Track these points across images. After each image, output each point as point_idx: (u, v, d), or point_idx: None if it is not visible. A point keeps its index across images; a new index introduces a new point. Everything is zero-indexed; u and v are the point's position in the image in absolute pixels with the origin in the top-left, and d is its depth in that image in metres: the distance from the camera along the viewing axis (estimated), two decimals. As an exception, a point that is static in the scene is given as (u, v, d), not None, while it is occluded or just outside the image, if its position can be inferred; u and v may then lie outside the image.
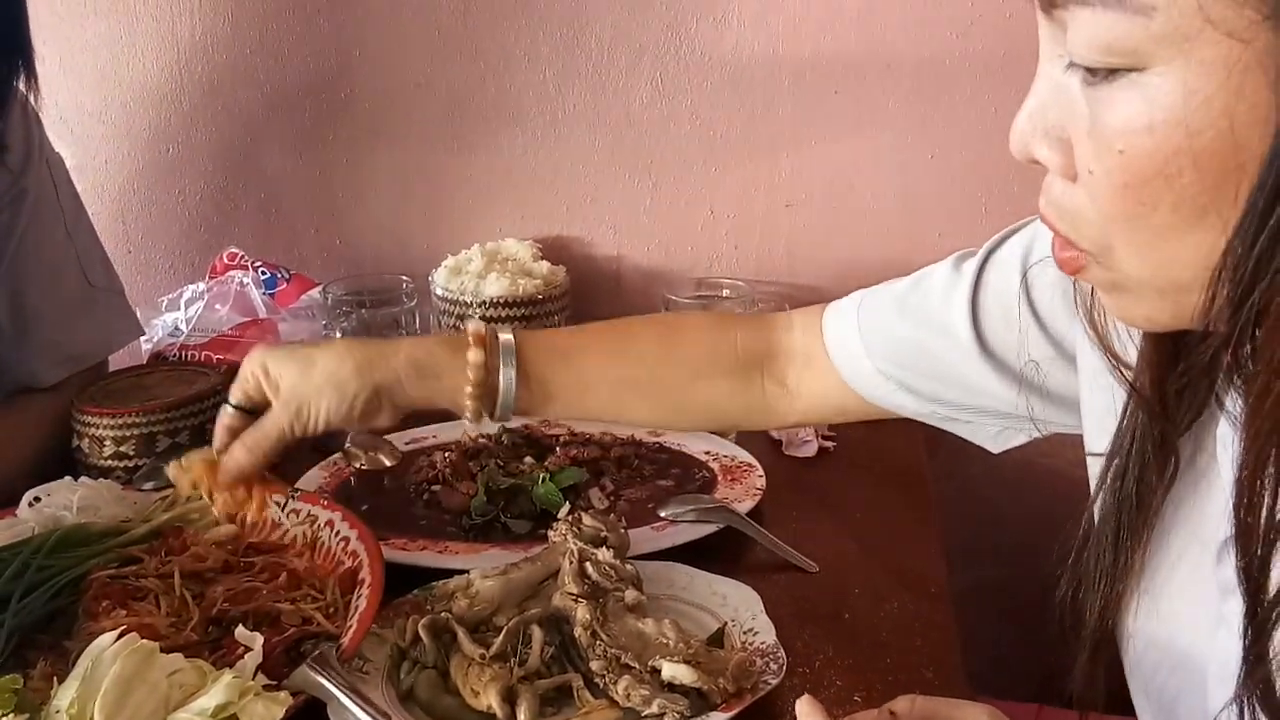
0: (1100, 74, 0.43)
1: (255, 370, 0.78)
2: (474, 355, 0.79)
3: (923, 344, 0.77)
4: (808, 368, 0.84)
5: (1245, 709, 0.46)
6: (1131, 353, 0.56)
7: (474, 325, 0.81)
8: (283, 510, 0.86)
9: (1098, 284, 0.50)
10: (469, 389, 0.79)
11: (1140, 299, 0.48)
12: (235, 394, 0.79)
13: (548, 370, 0.82)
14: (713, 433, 1.06)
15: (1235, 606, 0.49)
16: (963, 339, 0.75)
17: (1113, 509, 0.58)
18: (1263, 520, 0.44)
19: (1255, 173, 0.41)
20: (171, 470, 0.80)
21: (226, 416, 0.80)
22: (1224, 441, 0.53)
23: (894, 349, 0.79)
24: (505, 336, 0.81)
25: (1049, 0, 0.44)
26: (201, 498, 0.81)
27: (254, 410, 0.79)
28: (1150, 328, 0.52)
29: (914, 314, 0.78)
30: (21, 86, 1.00)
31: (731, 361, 0.84)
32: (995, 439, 0.79)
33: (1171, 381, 0.53)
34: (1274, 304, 0.41)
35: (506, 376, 0.80)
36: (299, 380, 0.77)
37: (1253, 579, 0.45)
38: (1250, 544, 0.45)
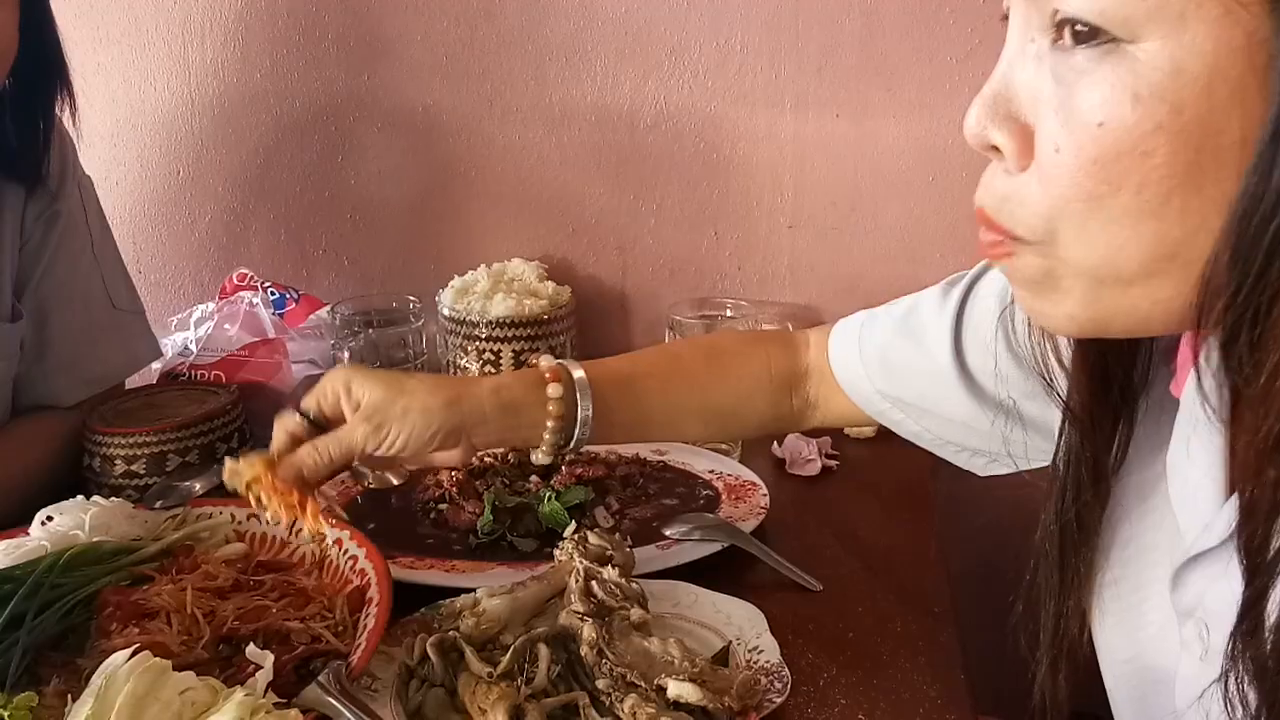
0: (1083, 38, 0.43)
1: (337, 386, 0.77)
2: (554, 390, 0.80)
3: (913, 367, 0.79)
4: (823, 383, 0.88)
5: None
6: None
7: (546, 361, 0.82)
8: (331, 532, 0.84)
9: (1025, 275, 0.48)
10: (550, 423, 0.80)
11: (1068, 294, 0.47)
12: (308, 403, 0.78)
13: (612, 400, 0.83)
14: (716, 449, 1.10)
15: (1193, 631, 0.50)
16: (946, 366, 0.76)
17: (1055, 530, 0.59)
18: (1267, 507, 0.43)
19: (1234, 160, 0.40)
20: (226, 469, 0.78)
21: (291, 423, 0.78)
22: (1174, 467, 0.53)
23: (889, 371, 0.81)
24: (579, 372, 0.82)
25: None
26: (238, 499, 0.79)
27: (320, 424, 0.78)
28: (1065, 329, 0.51)
29: (907, 338, 0.80)
30: (59, 110, 1.00)
31: (768, 382, 0.88)
32: (983, 468, 0.81)
33: (1098, 399, 0.54)
34: (1277, 302, 0.40)
35: (584, 409, 0.81)
36: (385, 400, 0.76)
37: (1254, 560, 0.44)
38: (1254, 530, 0.43)
